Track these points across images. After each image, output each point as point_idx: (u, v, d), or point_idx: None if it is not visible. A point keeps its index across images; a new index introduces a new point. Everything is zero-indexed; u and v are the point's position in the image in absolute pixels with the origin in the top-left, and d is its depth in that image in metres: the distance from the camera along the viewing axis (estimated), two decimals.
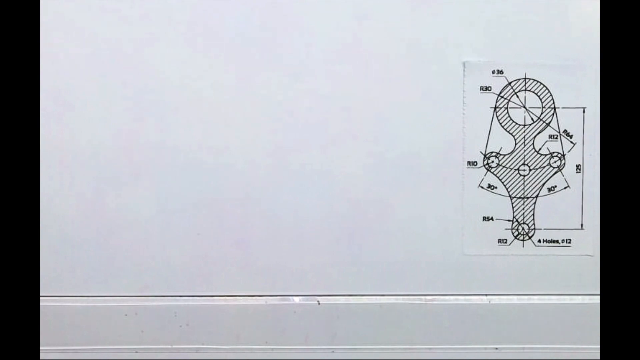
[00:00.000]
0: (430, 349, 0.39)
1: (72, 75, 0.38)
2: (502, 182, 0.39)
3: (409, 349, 0.39)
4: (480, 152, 0.39)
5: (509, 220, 0.39)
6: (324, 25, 0.38)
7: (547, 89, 0.38)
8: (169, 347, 0.39)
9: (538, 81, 0.38)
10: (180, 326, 0.39)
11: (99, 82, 0.38)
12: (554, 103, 0.38)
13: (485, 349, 0.40)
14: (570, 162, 0.39)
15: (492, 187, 0.39)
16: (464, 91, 0.38)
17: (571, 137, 0.39)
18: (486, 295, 0.40)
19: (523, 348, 0.40)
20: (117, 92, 0.38)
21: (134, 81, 0.38)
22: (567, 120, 0.38)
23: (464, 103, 0.38)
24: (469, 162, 0.39)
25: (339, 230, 0.39)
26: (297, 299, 0.39)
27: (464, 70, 0.38)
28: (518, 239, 0.39)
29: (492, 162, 0.39)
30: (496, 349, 0.40)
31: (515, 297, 0.40)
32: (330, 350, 0.39)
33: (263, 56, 0.38)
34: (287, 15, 0.38)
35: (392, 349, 0.39)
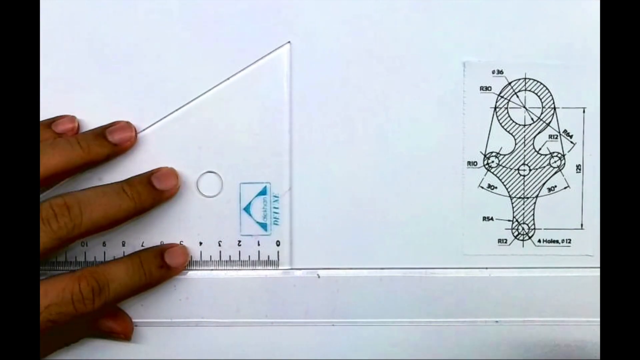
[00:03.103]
0: (429, 322, 0.39)
1: (72, 75, 0.38)
2: (502, 182, 0.39)
3: (409, 322, 0.39)
4: (480, 152, 0.39)
5: (509, 220, 0.39)
6: (322, 26, 0.38)
7: (547, 89, 0.38)
8: (169, 320, 0.39)
9: (538, 81, 0.38)
10: (180, 300, 0.39)
11: (100, 82, 0.38)
12: (554, 103, 0.38)
13: (486, 322, 0.40)
14: (570, 162, 0.39)
15: (492, 187, 0.39)
16: (464, 91, 0.38)
17: (571, 137, 0.39)
18: (486, 268, 0.39)
19: (524, 321, 0.39)
20: (120, 92, 0.38)
21: (136, 81, 0.38)
22: (567, 120, 0.39)
23: (464, 103, 0.38)
24: (469, 162, 0.39)
25: (337, 230, 0.39)
26: (297, 273, 0.39)
27: (464, 70, 0.38)
28: (518, 239, 0.39)
29: (492, 162, 0.39)
30: (496, 322, 0.39)
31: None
32: (330, 324, 0.39)
33: (262, 56, 0.38)
34: (285, 15, 0.38)
35: (392, 322, 0.39)
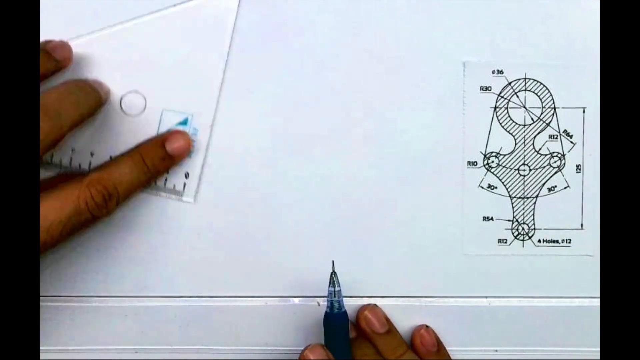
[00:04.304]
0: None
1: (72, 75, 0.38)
2: (502, 182, 0.39)
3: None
4: (480, 152, 0.39)
5: (509, 220, 0.39)
6: (322, 25, 0.38)
7: (547, 89, 0.38)
8: (169, 347, 0.39)
9: (538, 81, 0.38)
10: (180, 327, 0.39)
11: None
12: (554, 103, 0.38)
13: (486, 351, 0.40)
14: (570, 162, 0.39)
15: (492, 187, 0.39)
16: (464, 91, 0.38)
17: (571, 137, 0.39)
18: (486, 297, 0.40)
19: (523, 351, 0.40)
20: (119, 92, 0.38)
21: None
22: (567, 120, 0.39)
23: (464, 103, 0.38)
24: (469, 162, 0.39)
25: (338, 231, 0.39)
26: (296, 300, 0.39)
27: (464, 70, 0.38)
28: (518, 239, 0.39)
29: (492, 162, 0.39)
30: (496, 351, 0.40)
31: (515, 299, 0.40)
32: None
33: (261, 56, 0.38)
34: (284, 14, 0.38)
35: None
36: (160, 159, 0.37)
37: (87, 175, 0.35)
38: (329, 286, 0.37)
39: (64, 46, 0.37)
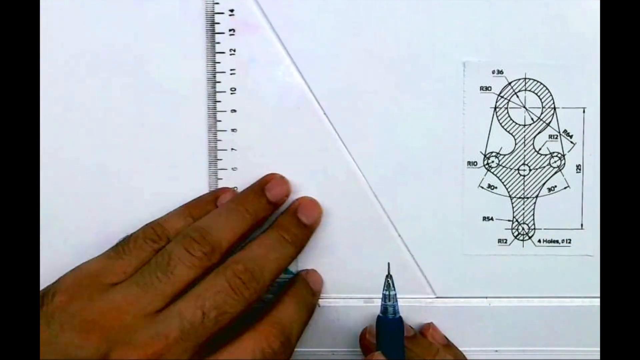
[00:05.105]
0: None
1: (72, 76, 0.38)
2: (502, 182, 0.39)
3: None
4: (480, 152, 0.39)
5: (509, 220, 0.39)
6: (322, 25, 0.38)
7: (547, 89, 0.38)
8: None
9: (538, 81, 0.38)
10: None
11: (100, 84, 0.38)
12: (554, 103, 0.38)
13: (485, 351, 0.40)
14: (570, 162, 0.39)
15: (492, 187, 0.39)
16: (464, 91, 0.38)
17: (571, 137, 0.39)
18: (486, 297, 0.40)
19: (524, 351, 0.40)
20: (120, 93, 0.38)
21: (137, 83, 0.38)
22: (567, 120, 0.39)
23: (464, 103, 0.38)
24: (469, 162, 0.39)
25: (338, 231, 0.39)
26: None
27: (464, 70, 0.38)
28: (518, 239, 0.39)
29: (492, 162, 0.39)
30: (496, 351, 0.40)
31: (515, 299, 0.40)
32: (331, 353, 0.39)
33: (260, 56, 0.38)
34: (283, 13, 0.38)
35: None
36: (310, 295, 0.37)
37: (258, 323, 0.33)
38: (384, 289, 0.35)
39: (282, 185, 0.37)
